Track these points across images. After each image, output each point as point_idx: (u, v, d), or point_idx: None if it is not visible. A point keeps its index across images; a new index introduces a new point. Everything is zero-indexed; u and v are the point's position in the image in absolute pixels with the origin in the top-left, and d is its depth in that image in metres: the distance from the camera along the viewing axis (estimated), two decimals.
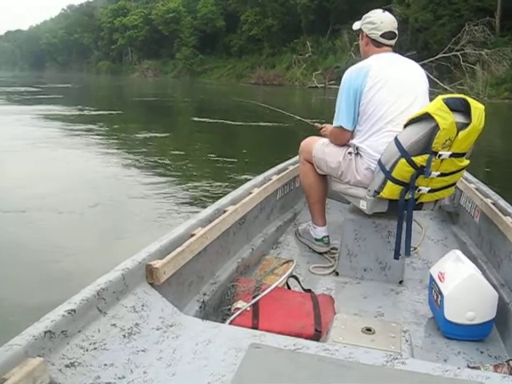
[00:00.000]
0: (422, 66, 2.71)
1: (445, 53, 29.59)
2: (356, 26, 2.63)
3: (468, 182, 3.08)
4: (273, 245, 2.89)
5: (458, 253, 2.13)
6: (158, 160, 8.63)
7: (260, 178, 2.93)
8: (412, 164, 2.20)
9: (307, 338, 1.66)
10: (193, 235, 1.92)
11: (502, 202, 2.56)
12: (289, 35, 47.55)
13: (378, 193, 2.36)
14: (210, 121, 13.55)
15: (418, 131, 2.17)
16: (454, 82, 27.91)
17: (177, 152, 9.57)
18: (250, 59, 52.21)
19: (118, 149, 9.70)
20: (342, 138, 2.59)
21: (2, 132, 11.46)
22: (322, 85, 37.31)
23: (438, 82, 26.56)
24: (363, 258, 2.55)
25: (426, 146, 2.16)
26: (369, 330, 1.68)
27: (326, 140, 2.74)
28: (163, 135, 11.66)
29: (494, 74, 27.03)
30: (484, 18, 28.68)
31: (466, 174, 3.00)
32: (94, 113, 17.03)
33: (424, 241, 2.95)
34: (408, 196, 2.31)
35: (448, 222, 3.28)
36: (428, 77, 2.64)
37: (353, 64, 2.57)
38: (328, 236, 2.85)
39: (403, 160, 2.21)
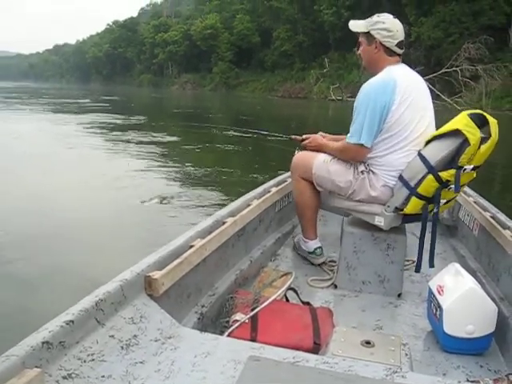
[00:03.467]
0: (427, 80, 2.72)
1: (447, 68, 31.45)
2: (359, 27, 2.49)
3: (467, 196, 3.08)
4: (271, 257, 2.88)
5: (457, 266, 2.12)
6: (195, 167, 9.16)
7: (259, 189, 2.92)
8: (438, 179, 2.23)
9: (306, 350, 1.65)
10: (192, 246, 1.92)
11: (501, 216, 2.56)
12: (318, 50, 49.71)
13: (401, 209, 2.37)
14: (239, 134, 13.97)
15: (446, 147, 2.20)
16: (453, 95, 29.81)
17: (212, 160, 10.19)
18: (282, 73, 55.04)
19: (161, 157, 10.23)
20: (359, 156, 2.47)
21: (58, 140, 12.16)
22: (340, 98, 39.73)
23: (440, 94, 28.39)
24: (362, 271, 2.54)
25: (451, 160, 2.19)
26: (368, 342, 1.67)
27: (326, 157, 2.64)
28: (198, 146, 12.15)
29: (492, 87, 28.20)
30: (490, 35, 30.54)
31: (465, 187, 3.01)
32: (137, 122, 18.28)
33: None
34: (433, 210, 2.33)
35: (447, 235, 3.28)
36: (431, 89, 2.64)
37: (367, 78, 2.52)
38: (321, 247, 2.83)
39: (430, 176, 2.23)
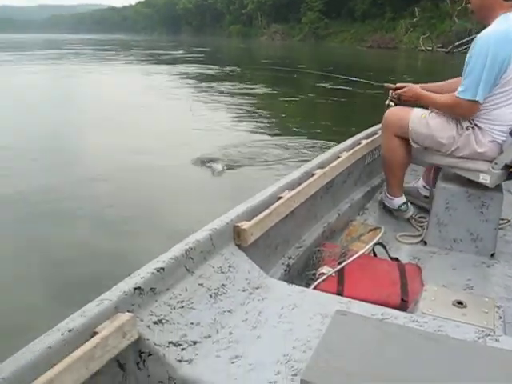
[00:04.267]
0: None
1: None
2: None
3: None
4: (359, 211, 2.82)
5: None
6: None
7: (349, 142, 2.84)
8: None
9: (393, 307, 1.61)
10: (280, 198, 1.90)
11: None
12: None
13: (511, 166, 2.23)
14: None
15: None
16: None
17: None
18: (372, 23, 53.04)
19: (252, 107, 10.33)
20: (470, 113, 2.27)
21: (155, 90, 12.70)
22: (430, 48, 37.98)
23: None
24: (453, 228, 2.43)
25: None
26: (460, 303, 1.61)
27: (422, 111, 2.47)
28: (287, 97, 12.06)
29: None
30: None
31: None
32: (228, 73, 18.60)
33: None
34: None
35: None
36: None
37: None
38: (406, 202, 2.71)
39: None
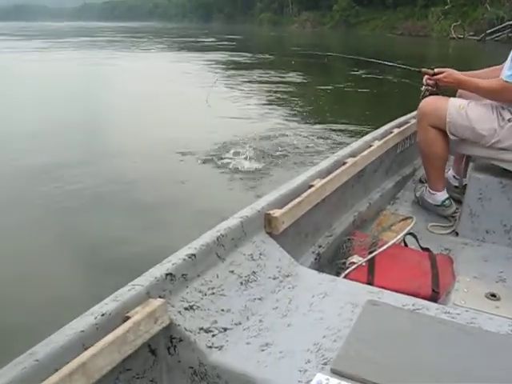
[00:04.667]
0: None
1: None
2: None
3: None
4: (390, 200, 2.79)
5: None
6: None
7: (381, 130, 2.80)
8: None
9: (423, 298, 1.60)
10: (311, 186, 1.90)
11: None
12: None
13: None
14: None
15: None
16: None
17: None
18: (404, 11, 52.33)
19: (284, 95, 10.34)
20: None
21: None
22: (461, 36, 37.46)
23: None
24: (486, 219, 2.38)
25: None
26: (493, 295, 1.58)
27: (461, 101, 2.38)
28: (319, 85, 12.05)
29: None
30: None
31: None
32: (260, 61, 18.66)
33: None
34: None
35: None
36: None
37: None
38: (449, 198, 2.61)
39: None
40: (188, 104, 9.03)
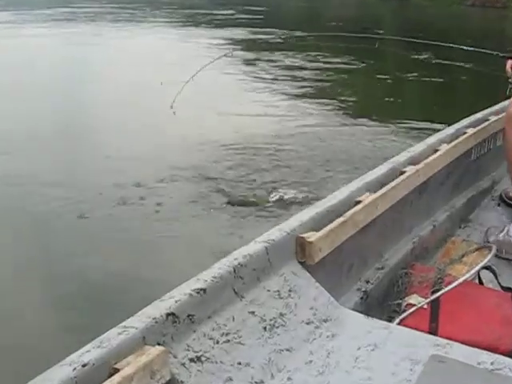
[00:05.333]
0: None
1: None
2: None
3: None
4: (461, 223, 2.78)
5: None
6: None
7: (450, 130, 2.79)
8: None
9: (504, 354, 1.58)
10: (358, 202, 1.90)
11: None
12: None
13: None
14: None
15: None
16: None
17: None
18: None
19: (320, 83, 10.56)
20: None
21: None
22: None
23: None
24: None
25: None
26: None
27: None
28: (363, 72, 12.34)
29: None
30: None
31: None
32: (288, 39, 18.58)
33: None
34: None
35: None
36: None
37: None
38: None
39: None
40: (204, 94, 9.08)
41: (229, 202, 4.91)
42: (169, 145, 6.53)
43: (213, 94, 8.52)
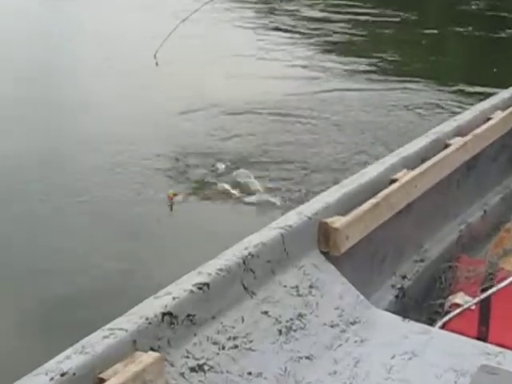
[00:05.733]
0: None
1: None
2: None
3: None
4: None
5: None
6: None
7: (505, 94, 2.76)
8: None
9: None
10: (394, 181, 1.88)
11: None
12: None
13: None
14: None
15: None
16: None
17: None
18: None
19: None
20: None
21: None
22: None
23: None
24: None
25: None
26: None
27: None
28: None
29: None
30: None
31: None
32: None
33: None
34: None
35: None
36: None
37: None
38: None
39: None
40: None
41: None
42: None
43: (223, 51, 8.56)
